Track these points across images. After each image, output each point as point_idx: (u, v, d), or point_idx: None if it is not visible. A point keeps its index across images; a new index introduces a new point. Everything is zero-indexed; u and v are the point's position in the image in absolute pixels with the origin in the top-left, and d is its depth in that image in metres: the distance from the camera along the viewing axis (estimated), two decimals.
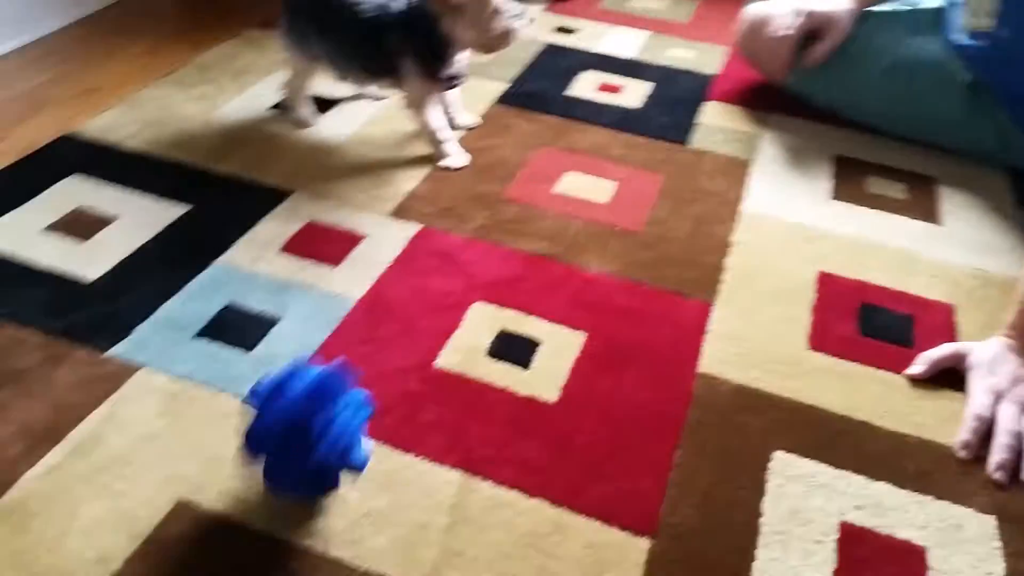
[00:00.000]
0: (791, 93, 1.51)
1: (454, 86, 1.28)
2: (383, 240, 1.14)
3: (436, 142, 1.30)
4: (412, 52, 1.20)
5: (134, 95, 1.44)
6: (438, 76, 1.23)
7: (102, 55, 1.58)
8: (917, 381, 0.99)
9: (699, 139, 1.43)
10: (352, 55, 1.25)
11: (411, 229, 1.17)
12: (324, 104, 1.45)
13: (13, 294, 1.01)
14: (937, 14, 1.38)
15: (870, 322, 1.07)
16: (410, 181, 1.27)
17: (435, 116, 1.29)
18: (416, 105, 1.28)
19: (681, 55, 1.71)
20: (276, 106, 1.43)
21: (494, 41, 1.17)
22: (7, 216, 1.14)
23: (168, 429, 0.85)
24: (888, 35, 1.38)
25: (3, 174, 1.23)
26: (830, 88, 1.46)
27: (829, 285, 1.12)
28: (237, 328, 0.98)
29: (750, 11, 1.50)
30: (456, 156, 1.31)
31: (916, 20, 1.39)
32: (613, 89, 1.56)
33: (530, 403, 0.92)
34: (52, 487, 0.79)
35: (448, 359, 0.96)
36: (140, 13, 1.76)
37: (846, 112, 1.47)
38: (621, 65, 1.65)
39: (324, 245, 1.13)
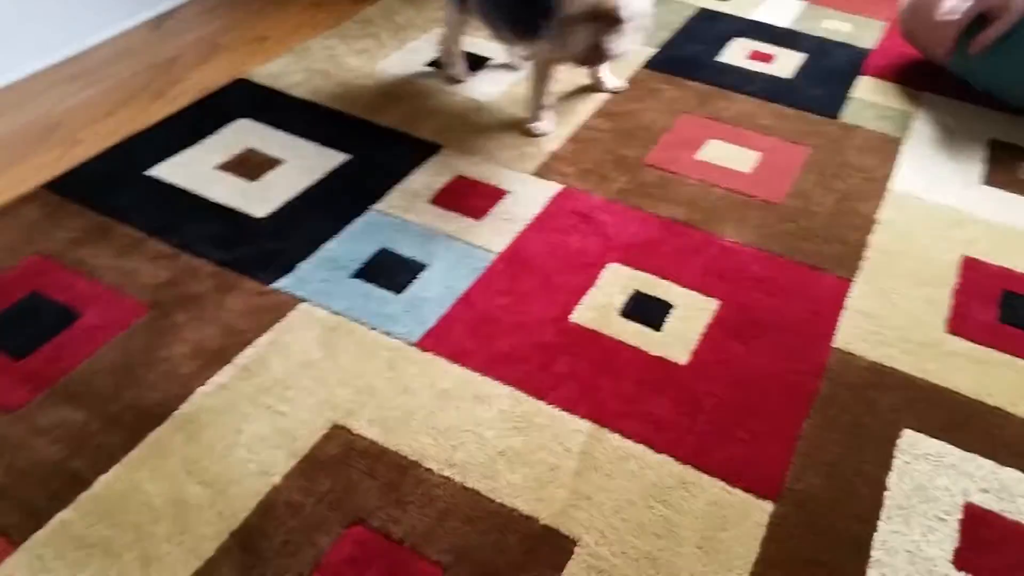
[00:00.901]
0: (952, 75, 1.46)
1: (594, 64, 1.28)
2: (525, 197, 1.19)
3: (535, 108, 1.32)
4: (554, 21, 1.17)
5: (301, 45, 1.52)
6: (574, 52, 1.18)
7: (271, 6, 1.68)
8: None
9: (850, 113, 1.40)
10: (505, 13, 1.28)
11: (552, 188, 1.21)
12: (475, 63, 1.49)
13: (188, 226, 1.11)
14: None
15: (1012, 310, 1.04)
16: (554, 141, 1.31)
17: (547, 87, 1.31)
18: (539, 68, 1.29)
19: (836, 27, 1.66)
20: (432, 63, 1.48)
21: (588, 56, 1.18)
22: (183, 154, 1.24)
23: (325, 359, 0.93)
24: None
25: (181, 115, 1.33)
26: (994, 72, 1.40)
27: (973, 270, 1.10)
28: (389, 271, 1.05)
29: None
30: (546, 123, 1.33)
31: None
32: (765, 58, 1.54)
33: (661, 363, 0.95)
34: (221, 403, 0.88)
35: (582, 315, 1.00)
36: None
37: (1008, 97, 1.41)
38: (774, 34, 1.62)
39: (470, 199, 1.18)
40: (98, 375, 0.90)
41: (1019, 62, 1.36)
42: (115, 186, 1.17)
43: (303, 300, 1.00)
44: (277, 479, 0.81)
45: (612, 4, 1.11)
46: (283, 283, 1.02)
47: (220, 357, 0.93)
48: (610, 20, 1.12)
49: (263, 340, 0.95)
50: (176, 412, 0.87)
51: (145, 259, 1.05)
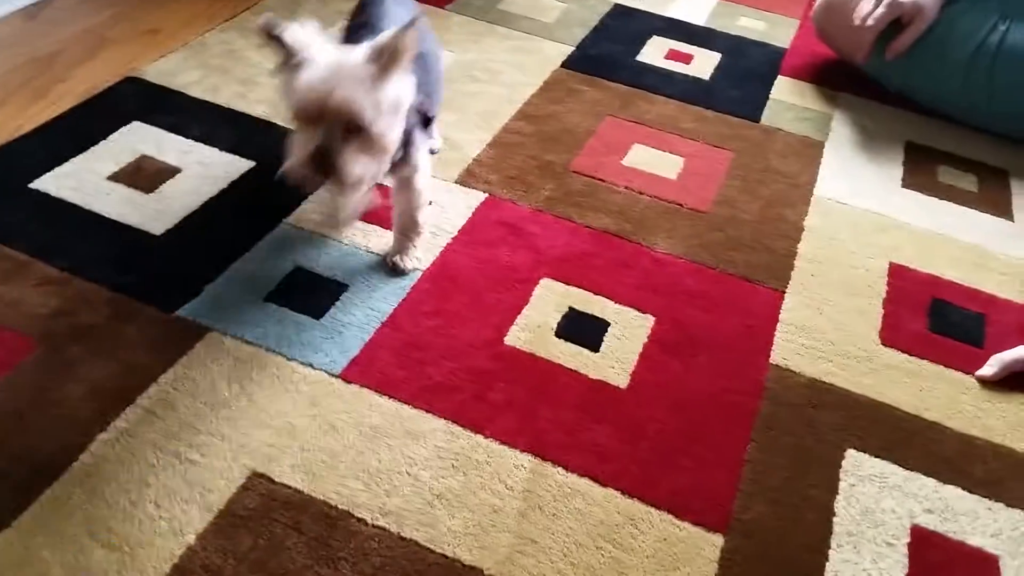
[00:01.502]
0: (866, 75, 1.47)
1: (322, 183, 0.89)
2: (449, 208, 1.13)
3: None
4: None
5: (196, 39, 1.41)
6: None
7: None
8: (988, 383, 0.97)
9: (770, 116, 1.39)
10: None
11: (477, 197, 1.15)
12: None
13: (79, 246, 1.00)
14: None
15: (941, 319, 1.05)
16: (475, 146, 1.25)
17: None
18: None
19: (751, 24, 1.66)
20: None
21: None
22: (70, 163, 1.13)
23: (239, 397, 0.85)
24: (974, 21, 1.33)
25: (65, 118, 1.21)
26: (908, 74, 1.41)
27: (900, 277, 1.10)
28: (306, 293, 0.97)
29: None
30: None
31: (1006, 6, 1.33)
32: (683, 58, 1.52)
33: (600, 386, 0.91)
34: (124, 452, 0.79)
35: (517, 336, 0.95)
36: None
37: (921, 98, 1.43)
38: (691, 32, 1.60)
39: (391, 209, 1.11)
40: None
41: (930, 64, 1.38)
42: None
43: (211, 328, 0.92)
44: (192, 539, 0.73)
45: (341, 102, 0.79)
46: (188, 309, 0.93)
47: (121, 398, 0.84)
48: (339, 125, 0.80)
49: (168, 377, 0.86)
50: (74, 464, 0.78)
51: (30, 285, 0.94)
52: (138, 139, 1.18)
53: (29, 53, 1.36)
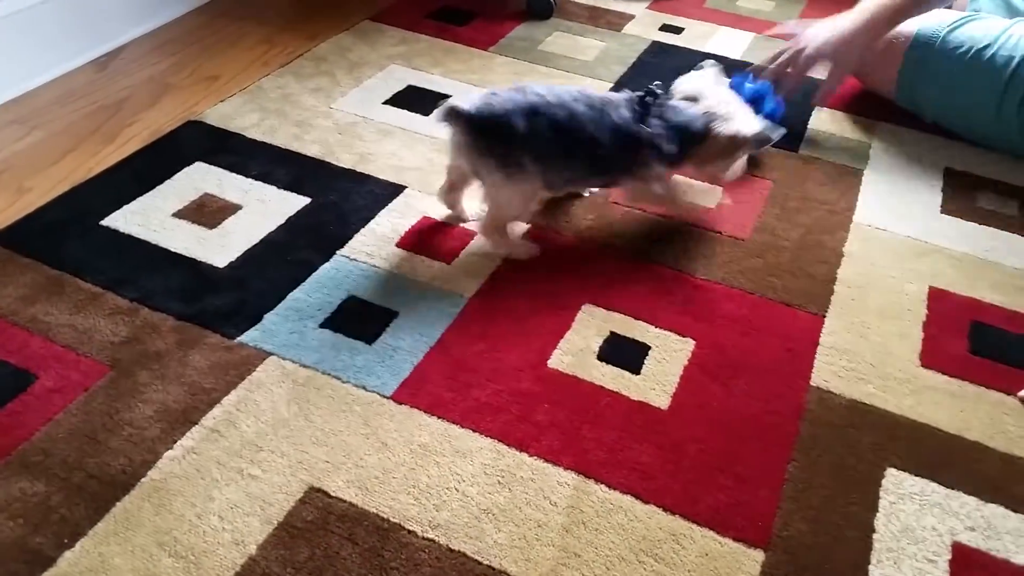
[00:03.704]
0: (901, 106, 1.49)
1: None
2: None
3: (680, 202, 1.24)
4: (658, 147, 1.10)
5: (253, 84, 1.49)
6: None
7: (221, 43, 1.64)
8: None
9: (808, 146, 1.42)
10: (588, 170, 1.12)
11: (521, 227, 1.19)
12: (434, 99, 1.47)
13: (146, 278, 1.06)
14: None
15: (982, 341, 1.06)
16: None
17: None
18: (669, 188, 1.18)
19: None
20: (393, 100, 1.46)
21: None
22: (137, 201, 1.20)
23: (297, 417, 0.89)
24: (1008, 49, 1.35)
25: (132, 160, 1.29)
26: (941, 107, 1.43)
27: (940, 302, 1.11)
28: (359, 320, 1.02)
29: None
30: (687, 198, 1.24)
31: None
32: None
33: (642, 408, 0.93)
34: (190, 468, 0.84)
35: (560, 360, 0.99)
36: (255, 3, 1.82)
37: (956, 129, 1.44)
38: (728, 66, 1.63)
39: (438, 240, 1.16)
40: (58, 443, 0.86)
41: (960, 99, 1.39)
42: (67, 237, 1.12)
43: (271, 354, 0.97)
44: (253, 549, 0.77)
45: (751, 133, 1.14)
46: (249, 336, 0.99)
47: (186, 418, 0.89)
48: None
49: (231, 399, 0.91)
50: (143, 479, 0.83)
51: (102, 315, 1.01)
52: (200, 178, 1.25)
53: (99, 100, 1.45)
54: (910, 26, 1.43)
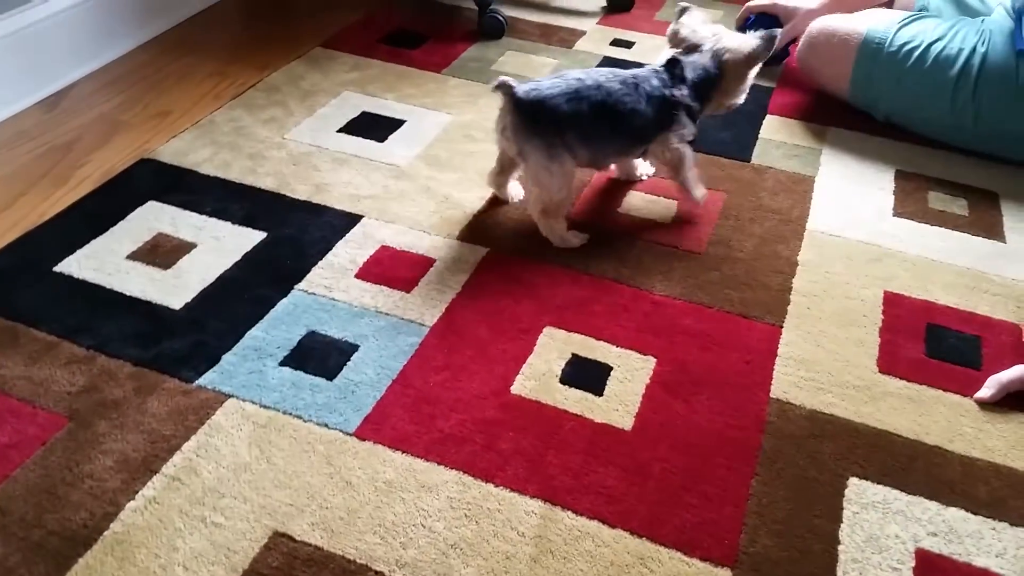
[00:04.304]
0: (853, 107, 1.52)
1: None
2: (453, 263, 1.17)
3: (696, 186, 1.27)
4: (687, 106, 1.22)
5: (206, 118, 1.48)
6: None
7: (171, 78, 1.62)
8: (987, 404, 1.00)
9: (760, 155, 1.43)
10: (629, 140, 1.22)
11: (479, 252, 1.19)
12: (390, 125, 1.48)
13: (103, 324, 1.05)
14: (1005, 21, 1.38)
15: (937, 344, 1.07)
16: (475, 203, 1.29)
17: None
18: (683, 153, 1.24)
19: None
20: (347, 128, 1.46)
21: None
22: (91, 244, 1.18)
23: (259, 460, 0.89)
24: (955, 45, 1.38)
25: (85, 201, 1.27)
26: (895, 101, 1.46)
27: (895, 306, 1.13)
28: (319, 356, 1.01)
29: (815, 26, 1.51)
30: (701, 188, 1.29)
31: (985, 28, 1.38)
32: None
33: (606, 430, 0.94)
34: (152, 519, 0.83)
35: (523, 385, 0.99)
36: (204, 33, 1.81)
37: (910, 125, 1.47)
38: None
39: (397, 270, 1.16)
40: (15, 500, 0.84)
41: (915, 90, 1.42)
42: (20, 286, 1.11)
43: (230, 396, 0.96)
44: None
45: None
46: (207, 379, 0.98)
47: (147, 467, 0.88)
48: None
49: (191, 444, 0.90)
50: (105, 533, 0.82)
51: (59, 365, 0.99)
52: (154, 218, 1.24)
53: (49, 141, 1.43)
54: (861, 25, 1.45)
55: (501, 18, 1.78)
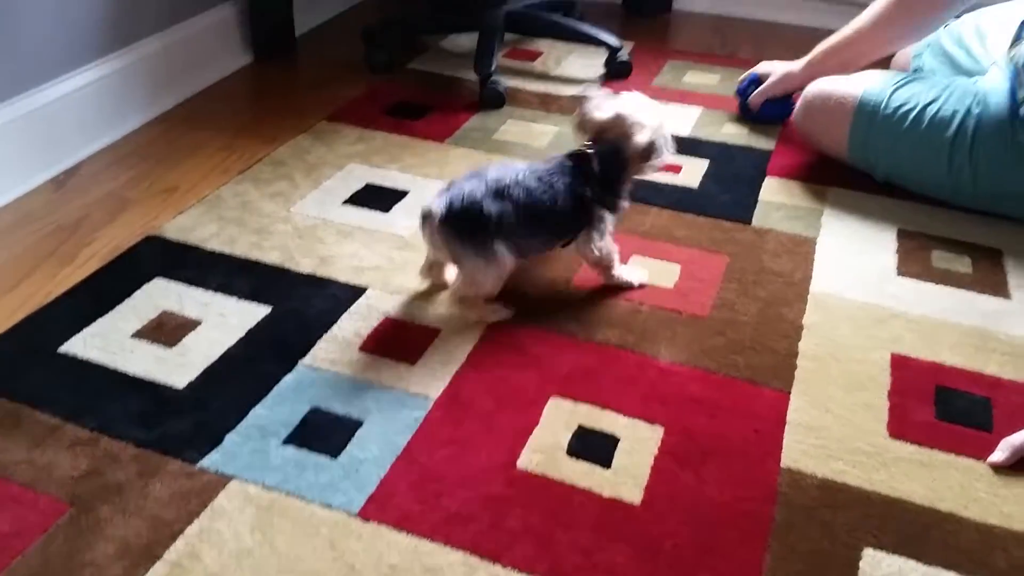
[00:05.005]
0: (853, 168, 1.53)
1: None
2: (457, 334, 1.17)
3: (618, 276, 1.26)
4: (602, 200, 1.21)
5: (212, 194, 1.49)
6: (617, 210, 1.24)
7: (179, 153, 1.65)
8: (1001, 468, 0.98)
9: (761, 217, 1.44)
10: (552, 235, 1.22)
11: (483, 322, 1.19)
12: (393, 196, 1.49)
13: (107, 405, 1.05)
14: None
15: (947, 406, 1.06)
16: None
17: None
18: (609, 249, 1.24)
19: (735, 131, 1.72)
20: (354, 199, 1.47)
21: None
22: (97, 323, 1.19)
23: (261, 545, 0.87)
24: (951, 107, 1.39)
25: (91, 280, 1.28)
26: (894, 163, 1.47)
27: (903, 368, 1.12)
28: (322, 433, 1.01)
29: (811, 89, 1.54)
30: (636, 273, 1.28)
31: (979, 90, 1.39)
32: (672, 168, 1.58)
33: (614, 505, 0.92)
34: None
35: (530, 459, 0.98)
36: (212, 109, 1.84)
37: (910, 185, 1.48)
38: (679, 143, 1.66)
39: (401, 342, 1.15)
40: None
41: (913, 152, 1.43)
42: (24, 368, 1.11)
43: (232, 477, 0.95)
44: None
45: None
46: (210, 460, 0.97)
47: (149, 553, 0.87)
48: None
49: (193, 529, 0.89)
50: None
51: (62, 448, 0.99)
52: (160, 295, 1.24)
53: (57, 220, 1.45)
54: (856, 88, 1.47)
55: (501, 89, 1.80)
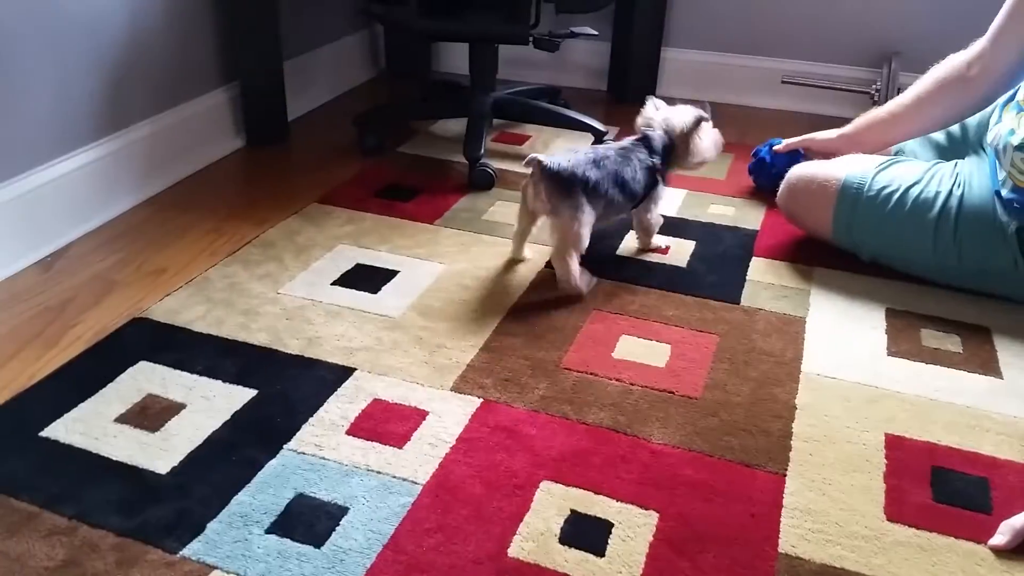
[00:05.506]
0: (838, 247, 1.54)
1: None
2: (445, 416, 1.15)
3: (654, 243, 1.61)
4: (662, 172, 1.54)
5: (200, 275, 1.49)
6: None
7: (168, 235, 1.65)
8: (1002, 552, 0.96)
9: (749, 296, 1.44)
10: (628, 200, 1.50)
11: (472, 403, 1.18)
12: (383, 276, 1.49)
13: (86, 492, 1.02)
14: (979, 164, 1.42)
15: (944, 487, 1.05)
16: (468, 351, 1.29)
17: None
18: (658, 218, 1.59)
19: (721, 211, 1.75)
20: (342, 282, 1.47)
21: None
22: (80, 407, 1.17)
23: None
24: (934, 185, 1.41)
25: (75, 363, 1.27)
26: (880, 244, 1.48)
27: (898, 448, 1.11)
28: (306, 521, 0.98)
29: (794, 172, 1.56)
30: (664, 240, 1.62)
31: (959, 171, 1.42)
32: (660, 250, 1.59)
33: None
34: None
35: (521, 547, 0.95)
36: (203, 192, 1.85)
37: (896, 265, 1.49)
38: (665, 224, 1.68)
39: (389, 424, 1.14)
40: None
41: (898, 233, 1.45)
42: (4, 453, 1.08)
43: (214, 567, 0.92)
44: None
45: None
46: (191, 549, 0.94)
47: None
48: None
49: None
50: None
51: (38, 537, 0.96)
52: (144, 378, 1.23)
53: (43, 302, 1.44)
54: (839, 171, 1.50)
55: (491, 171, 1.83)
